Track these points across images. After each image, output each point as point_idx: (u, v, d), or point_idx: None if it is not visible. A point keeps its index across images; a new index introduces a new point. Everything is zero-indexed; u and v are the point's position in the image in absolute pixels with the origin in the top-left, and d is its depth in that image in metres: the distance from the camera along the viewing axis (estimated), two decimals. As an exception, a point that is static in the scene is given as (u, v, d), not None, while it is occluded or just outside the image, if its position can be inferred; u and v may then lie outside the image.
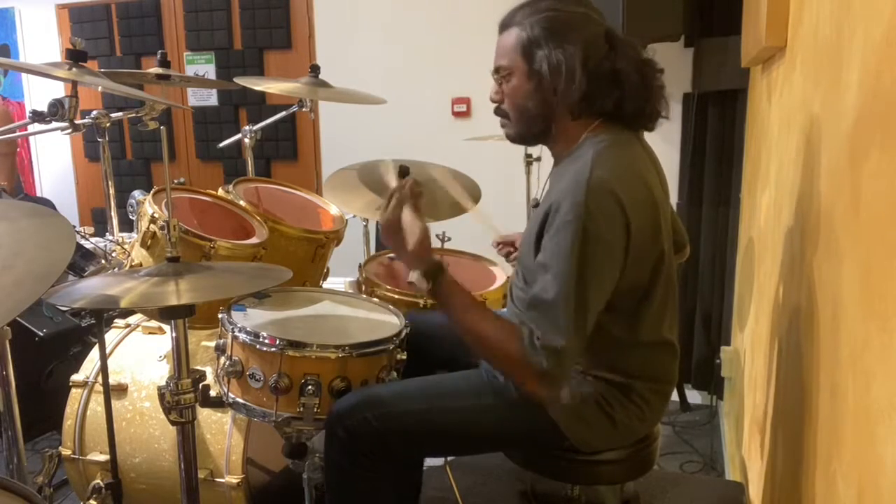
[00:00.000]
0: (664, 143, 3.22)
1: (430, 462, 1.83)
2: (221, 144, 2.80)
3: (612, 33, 1.37)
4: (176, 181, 2.20)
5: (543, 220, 1.30)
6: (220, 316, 1.58)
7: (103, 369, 1.83)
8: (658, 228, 1.35)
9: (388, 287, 2.06)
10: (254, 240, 1.91)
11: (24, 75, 4.55)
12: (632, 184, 1.32)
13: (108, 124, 2.18)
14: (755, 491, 1.87)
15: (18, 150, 4.33)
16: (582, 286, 1.24)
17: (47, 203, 4.08)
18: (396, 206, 1.42)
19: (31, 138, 4.48)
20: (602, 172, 1.28)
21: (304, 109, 2.65)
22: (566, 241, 1.24)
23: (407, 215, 1.41)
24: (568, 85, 1.33)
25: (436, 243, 2.30)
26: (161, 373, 1.95)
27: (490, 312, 1.39)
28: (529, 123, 1.43)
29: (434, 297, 1.39)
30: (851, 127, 1.02)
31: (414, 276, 1.37)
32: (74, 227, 1.47)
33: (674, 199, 3.22)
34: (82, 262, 2.19)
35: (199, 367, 1.48)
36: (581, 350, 1.29)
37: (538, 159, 2.87)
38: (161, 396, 1.39)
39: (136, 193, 2.32)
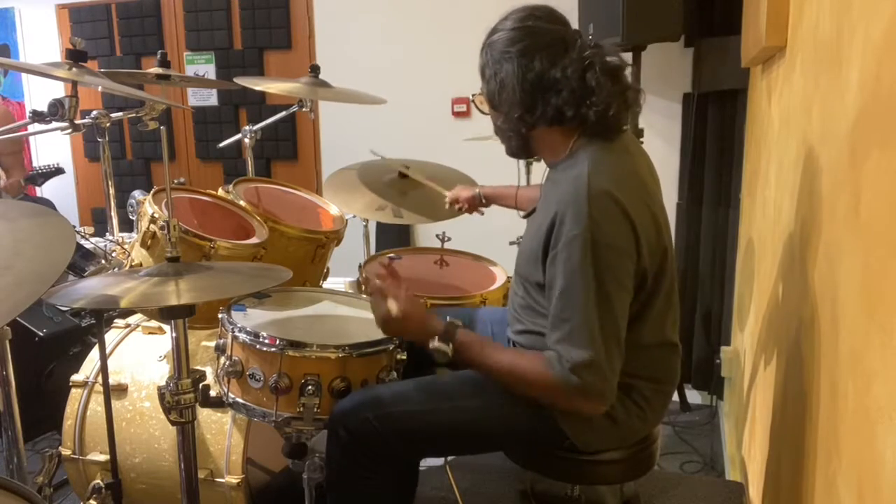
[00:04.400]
0: (664, 143, 3.22)
1: (430, 462, 1.83)
2: (221, 144, 2.80)
3: (567, 41, 1.35)
4: (176, 181, 2.20)
5: (548, 231, 1.30)
6: (220, 316, 1.58)
7: (103, 369, 1.83)
8: (660, 228, 1.36)
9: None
10: (254, 240, 1.91)
11: (24, 75, 4.55)
12: (630, 186, 1.32)
13: (108, 124, 2.18)
14: (755, 491, 1.87)
15: (24, 146, 4.34)
16: (603, 295, 1.25)
17: (47, 203, 4.08)
18: (380, 301, 1.44)
19: (31, 138, 4.48)
20: (600, 179, 1.29)
21: (304, 109, 2.64)
22: (577, 255, 1.25)
23: (392, 303, 1.42)
24: (510, 99, 1.37)
25: (436, 243, 2.31)
26: (161, 373, 1.94)
27: (512, 350, 1.42)
28: (507, 139, 1.48)
29: (458, 356, 1.39)
30: (851, 127, 1.02)
31: (433, 343, 1.39)
32: (74, 227, 1.47)
33: (674, 198, 3.22)
34: (82, 262, 2.19)
35: (199, 367, 1.48)
36: (620, 356, 1.29)
37: (538, 160, 2.87)
38: (161, 396, 1.39)
39: (136, 193, 2.32)
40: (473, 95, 1.53)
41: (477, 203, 2.10)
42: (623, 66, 1.39)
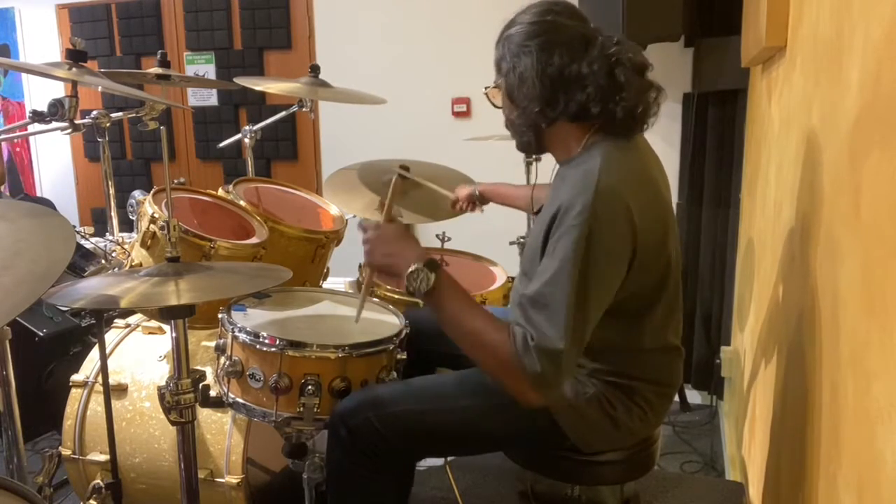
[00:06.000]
0: (664, 143, 3.22)
1: (430, 462, 1.83)
2: (221, 144, 2.80)
3: (587, 37, 1.35)
4: (176, 181, 2.20)
5: (550, 222, 1.28)
6: (220, 316, 1.58)
7: (103, 369, 1.83)
8: (666, 234, 1.34)
9: (388, 287, 2.06)
10: (254, 240, 1.91)
11: (24, 75, 4.55)
12: (641, 189, 1.31)
13: (108, 124, 2.18)
14: (755, 491, 1.87)
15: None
16: (583, 294, 1.23)
17: (47, 203, 4.09)
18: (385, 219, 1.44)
19: (31, 138, 4.48)
20: (611, 177, 1.27)
21: (304, 109, 2.65)
22: (571, 245, 1.23)
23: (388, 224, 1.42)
24: (529, 93, 1.35)
25: (436, 243, 2.31)
26: (161, 373, 1.94)
27: (484, 310, 1.35)
28: (519, 134, 1.46)
29: (429, 295, 1.31)
30: (851, 127, 1.02)
31: (414, 266, 1.30)
32: (74, 227, 1.47)
33: (674, 199, 3.22)
34: (82, 262, 2.19)
35: (199, 367, 1.48)
36: (577, 358, 1.27)
37: (538, 159, 2.87)
38: (161, 396, 1.39)
39: (136, 193, 2.33)
40: (487, 88, 1.51)
41: (473, 200, 2.08)
42: (648, 64, 1.38)
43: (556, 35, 1.34)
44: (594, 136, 1.36)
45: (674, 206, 3.18)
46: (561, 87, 1.33)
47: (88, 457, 1.94)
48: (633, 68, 1.33)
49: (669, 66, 3.18)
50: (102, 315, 1.90)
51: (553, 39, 1.33)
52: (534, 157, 2.88)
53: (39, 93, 4.52)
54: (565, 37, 1.34)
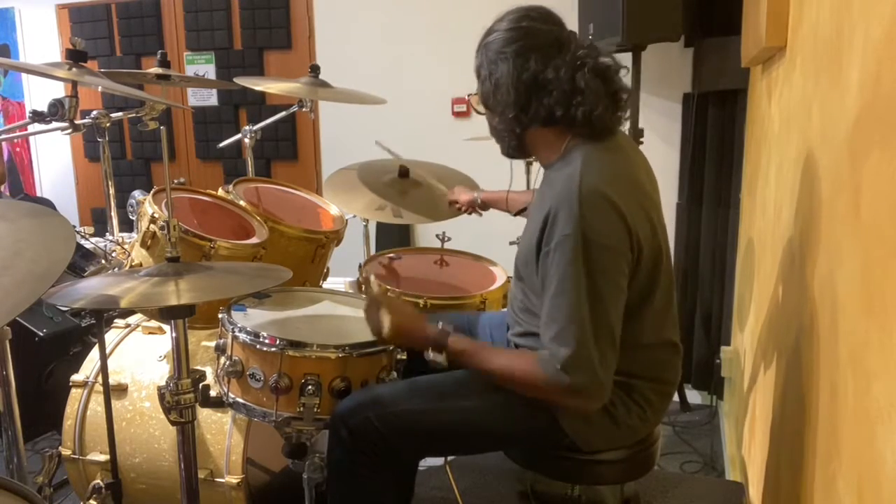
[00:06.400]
0: (664, 143, 3.22)
1: (430, 462, 1.83)
2: (221, 144, 2.80)
3: (562, 41, 1.37)
4: (176, 181, 2.20)
5: (542, 228, 1.31)
6: (220, 316, 1.58)
7: (103, 369, 1.83)
8: (654, 227, 1.36)
9: (388, 287, 2.06)
10: (254, 240, 1.91)
11: (24, 75, 4.55)
12: (624, 185, 1.33)
13: (108, 124, 2.18)
14: (755, 491, 1.87)
15: None
16: (595, 295, 1.25)
17: (47, 203, 4.08)
18: (373, 313, 1.47)
19: (31, 138, 4.48)
20: (592, 178, 1.29)
21: (304, 109, 2.65)
22: (569, 255, 1.25)
23: (385, 316, 1.45)
24: (504, 100, 1.38)
25: (436, 243, 2.31)
26: (161, 373, 1.94)
27: (506, 352, 1.43)
28: (502, 140, 1.49)
29: (453, 362, 1.42)
30: (851, 127, 1.02)
31: (427, 355, 1.42)
32: (74, 227, 1.47)
33: (674, 199, 3.22)
34: (82, 262, 2.19)
35: (199, 367, 1.48)
36: (614, 355, 1.29)
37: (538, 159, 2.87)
38: (161, 396, 1.39)
39: (136, 193, 2.32)
40: (469, 95, 1.54)
41: (475, 207, 2.15)
42: (615, 67, 1.40)
43: (532, 41, 1.36)
44: (574, 139, 1.39)
45: (674, 206, 3.20)
46: (534, 93, 1.36)
47: (88, 457, 1.94)
48: (595, 72, 1.35)
49: (669, 66, 3.18)
50: (102, 315, 1.89)
51: (528, 45, 1.36)
52: (533, 158, 2.89)
53: (39, 93, 4.52)
54: (540, 42, 1.36)
